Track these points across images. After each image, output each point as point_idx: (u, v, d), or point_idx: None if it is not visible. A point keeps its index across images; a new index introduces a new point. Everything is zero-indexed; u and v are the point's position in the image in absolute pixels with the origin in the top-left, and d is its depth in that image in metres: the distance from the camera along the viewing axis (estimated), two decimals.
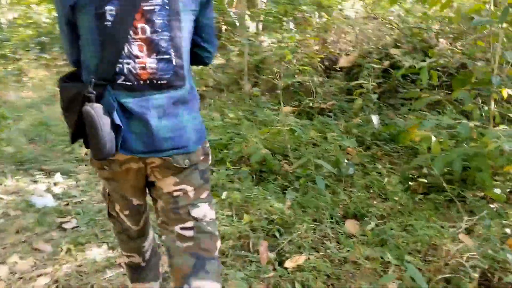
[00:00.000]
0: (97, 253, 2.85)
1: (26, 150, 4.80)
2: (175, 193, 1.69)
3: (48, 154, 4.87)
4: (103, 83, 1.52)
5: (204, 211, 1.72)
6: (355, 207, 2.97)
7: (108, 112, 1.50)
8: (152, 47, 1.52)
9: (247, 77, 5.75)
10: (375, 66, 4.82)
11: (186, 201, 1.69)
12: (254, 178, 3.70)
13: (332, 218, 2.91)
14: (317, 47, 6.18)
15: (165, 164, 1.62)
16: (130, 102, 1.53)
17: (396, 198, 3.08)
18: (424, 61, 4.76)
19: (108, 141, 1.49)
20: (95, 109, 1.47)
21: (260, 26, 7.71)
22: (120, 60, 1.50)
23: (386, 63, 5.14)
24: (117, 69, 1.51)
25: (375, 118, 3.83)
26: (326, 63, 5.87)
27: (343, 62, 5.76)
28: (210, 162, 1.78)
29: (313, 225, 2.82)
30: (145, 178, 1.72)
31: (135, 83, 1.52)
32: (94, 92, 1.50)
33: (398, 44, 5.50)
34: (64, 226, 3.22)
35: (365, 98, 3.94)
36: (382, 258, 2.43)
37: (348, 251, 2.56)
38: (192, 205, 1.70)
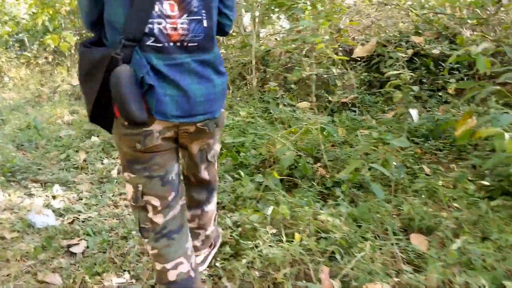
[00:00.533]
0: (118, 284, 2.38)
1: (16, 158, 4.26)
2: (202, 148, 1.83)
3: (41, 162, 4.34)
4: (132, 44, 1.44)
5: (215, 151, 1.94)
6: (420, 219, 2.54)
7: (138, 75, 1.44)
8: (184, 6, 1.47)
9: (255, 71, 5.28)
10: (401, 55, 4.39)
11: (208, 150, 1.87)
12: (284, 185, 3.26)
13: (394, 234, 2.48)
14: (327, 37, 5.73)
15: (197, 130, 1.64)
16: (162, 64, 1.48)
17: (464, 206, 2.66)
18: (454, 49, 4.38)
19: (138, 104, 1.43)
20: (124, 71, 1.41)
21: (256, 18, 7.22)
22: (151, 20, 1.43)
23: (410, 51, 4.72)
24: (147, 30, 1.44)
25: (413, 112, 3.41)
26: (340, 54, 5.43)
27: (359, 52, 5.33)
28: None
29: (377, 243, 2.38)
30: (176, 144, 1.73)
31: (166, 44, 1.47)
32: (121, 53, 1.43)
33: (418, 31, 5.10)
34: (73, 250, 2.72)
35: (402, 90, 3.51)
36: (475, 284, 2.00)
37: (426, 275, 2.13)
38: (209, 150, 1.88)
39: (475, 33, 4.73)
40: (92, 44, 1.57)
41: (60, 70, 8.06)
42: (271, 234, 2.42)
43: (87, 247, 2.74)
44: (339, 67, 4.86)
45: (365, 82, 4.87)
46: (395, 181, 2.90)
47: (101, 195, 3.56)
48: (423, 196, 2.85)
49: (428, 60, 4.42)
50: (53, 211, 3.27)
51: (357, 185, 3.08)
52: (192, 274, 1.80)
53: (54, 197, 3.53)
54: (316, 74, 4.88)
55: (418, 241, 2.43)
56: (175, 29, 1.46)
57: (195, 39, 1.52)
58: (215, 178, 2.12)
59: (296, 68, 4.80)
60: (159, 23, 1.45)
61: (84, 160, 4.28)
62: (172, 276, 1.76)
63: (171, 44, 1.48)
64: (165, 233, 1.75)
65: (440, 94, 4.56)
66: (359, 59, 5.04)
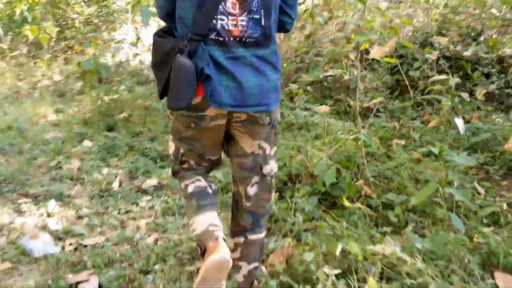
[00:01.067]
0: None
1: None
2: (256, 151, 1.83)
3: (28, 170, 3.80)
4: (198, 38, 1.60)
5: (272, 166, 1.91)
6: (504, 255, 2.15)
7: (198, 66, 1.58)
8: (244, 6, 1.62)
9: None
10: (429, 56, 4.03)
11: (262, 159, 1.85)
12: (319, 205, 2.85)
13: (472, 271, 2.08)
14: (340, 33, 5.32)
15: (250, 120, 1.72)
16: (222, 56, 1.62)
17: None
18: (487, 52, 4.04)
19: (187, 92, 1.58)
20: (185, 60, 1.56)
21: None
22: (216, 17, 1.59)
23: (435, 53, 4.36)
24: (212, 25, 1.60)
25: (459, 122, 3.04)
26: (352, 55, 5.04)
27: (377, 52, 4.94)
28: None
29: (459, 284, 1.98)
30: (224, 133, 1.81)
31: (226, 38, 1.61)
32: (188, 45, 1.59)
33: (442, 31, 4.75)
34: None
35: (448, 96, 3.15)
36: None
37: None
38: (265, 162, 1.87)
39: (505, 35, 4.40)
40: (165, 33, 1.74)
41: (39, 64, 7.43)
42: (334, 275, 1.99)
43: (100, 286, 2.26)
44: (357, 68, 4.46)
45: (388, 85, 4.49)
46: (464, 207, 2.52)
47: (104, 213, 3.07)
48: (491, 223, 2.48)
49: (467, 64, 4.06)
50: (50, 232, 2.77)
51: (409, 207, 2.69)
52: (209, 190, 1.91)
53: (49, 215, 3.02)
54: (333, 76, 4.48)
55: (504, 281, 2.05)
56: (235, 25, 1.61)
57: (253, 35, 1.64)
58: (264, 204, 1.96)
59: (311, 68, 4.39)
60: (222, 20, 1.61)
61: (79, 169, 3.77)
62: (190, 189, 1.89)
63: (231, 39, 1.62)
64: (191, 167, 1.94)
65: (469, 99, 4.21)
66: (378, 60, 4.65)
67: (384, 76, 4.46)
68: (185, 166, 1.94)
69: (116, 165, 3.82)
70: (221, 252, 1.63)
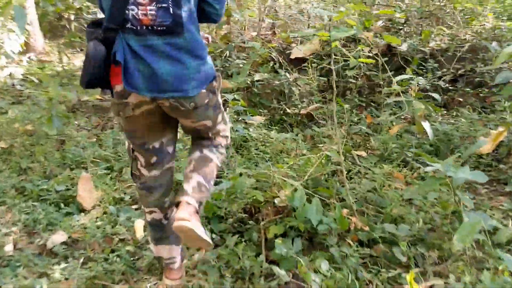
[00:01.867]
0: None
1: None
2: (197, 128, 1.96)
3: None
4: (115, 27, 1.70)
5: (220, 128, 2.04)
6: None
7: (115, 50, 1.70)
8: None
9: None
10: (366, 53, 3.64)
11: (207, 130, 1.99)
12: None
13: None
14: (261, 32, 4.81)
15: (172, 106, 1.79)
16: (136, 44, 1.70)
17: None
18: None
19: (92, 74, 1.72)
20: (94, 45, 1.70)
21: None
22: (128, 7, 1.67)
23: (367, 49, 4.00)
24: (125, 15, 1.68)
25: (427, 126, 2.65)
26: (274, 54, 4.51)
27: (300, 52, 4.48)
28: (220, 88, 1.92)
29: None
30: (161, 118, 1.88)
31: (138, 27, 1.69)
32: (103, 33, 1.71)
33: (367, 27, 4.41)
34: None
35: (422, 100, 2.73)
36: None
37: None
38: (211, 130, 2.00)
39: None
40: (93, 24, 1.81)
41: None
42: None
43: None
44: (288, 70, 3.95)
45: (321, 89, 4.01)
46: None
47: None
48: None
49: (415, 59, 3.72)
50: None
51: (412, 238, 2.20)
52: (164, 222, 2.08)
53: None
54: (261, 80, 3.91)
55: None
56: (145, 14, 1.67)
57: (163, 23, 1.69)
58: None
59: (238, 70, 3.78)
60: (132, 10, 1.68)
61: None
62: (147, 218, 2.09)
63: (144, 27, 1.69)
64: (146, 187, 2.02)
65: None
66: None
67: (315, 79, 3.97)
68: (136, 173, 2.02)
69: (5, 219, 2.84)
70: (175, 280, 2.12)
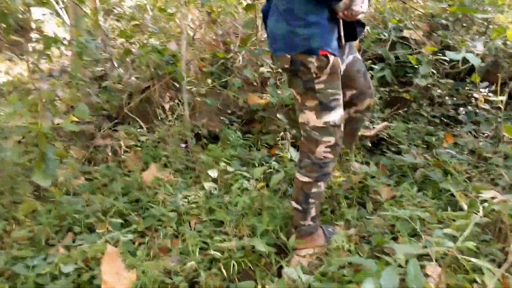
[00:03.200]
0: None
1: None
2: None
3: None
4: None
5: (308, 117, 1.94)
6: None
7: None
8: None
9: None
10: None
11: (297, 107, 1.99)
12: None
13: None
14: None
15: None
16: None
17: None
18: None
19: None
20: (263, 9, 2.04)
21: None
22: None
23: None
24: None
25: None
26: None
27: None
28: (315, 75, 1.83)
29: None
30: None
31: None
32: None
33: None
34: None
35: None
36: None
37: None
38: (300, 110, 1.96)
39: None
40: None
41: None
42: None
43: None
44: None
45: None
46: None
47: None
48: None
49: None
50: None
51: None
52: None
53: None
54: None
55: None
56: None
57: None
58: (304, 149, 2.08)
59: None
60: None
61: None
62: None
63: None
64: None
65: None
66: None
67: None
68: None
69: None
70: None
